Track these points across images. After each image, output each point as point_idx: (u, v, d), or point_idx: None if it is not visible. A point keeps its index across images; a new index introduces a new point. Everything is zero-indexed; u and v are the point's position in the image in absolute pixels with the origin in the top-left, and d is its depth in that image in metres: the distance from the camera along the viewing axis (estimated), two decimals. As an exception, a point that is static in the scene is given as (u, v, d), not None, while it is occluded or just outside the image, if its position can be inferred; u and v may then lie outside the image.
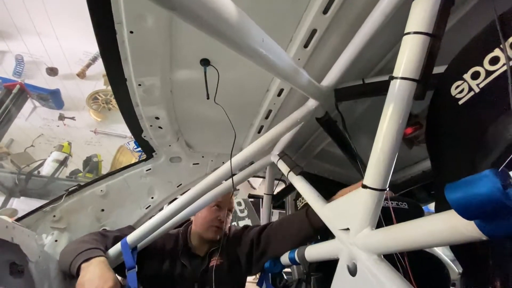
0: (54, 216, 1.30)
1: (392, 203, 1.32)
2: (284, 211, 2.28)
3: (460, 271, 1.70)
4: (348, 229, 0.74)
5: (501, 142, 0.51)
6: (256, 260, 1.29)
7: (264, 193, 1.62)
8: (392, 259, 0.80)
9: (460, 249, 0.69)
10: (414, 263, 0.73)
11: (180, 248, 1.29)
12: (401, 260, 0.75)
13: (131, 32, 0.81)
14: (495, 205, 0.37)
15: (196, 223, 1.35)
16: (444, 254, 1.82)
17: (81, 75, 5.36)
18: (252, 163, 1.40)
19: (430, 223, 0.52)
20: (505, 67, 0.51)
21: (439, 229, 0.49)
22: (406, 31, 0.64)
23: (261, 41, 0.50)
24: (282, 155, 1.33)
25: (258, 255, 1.28)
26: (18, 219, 1.24)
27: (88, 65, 5.38)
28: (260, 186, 4.93)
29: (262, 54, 0.54)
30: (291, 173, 1.20)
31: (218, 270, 1.25)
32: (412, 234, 0.55)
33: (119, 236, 1.19)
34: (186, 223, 1.41)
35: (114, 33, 0.81)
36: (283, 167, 1.28)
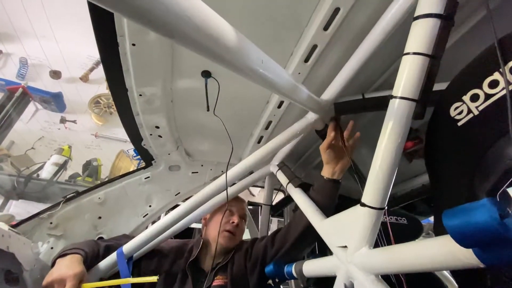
0: (51, 223, 1.30)
1: (391, 218, 1.32)
2: (283, 219, 2.26)
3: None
4: (346, 246, 0.74)
5: (500, 166, 0.51)
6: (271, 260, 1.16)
7: (263, 203, 1.61)
8: (389, 276, 0.79)
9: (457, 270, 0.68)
10: (411, 279, 0.71)
11: (189, 257, 1.20)
12: (399, 279, 0.74)
13: (133, 44, 0.81)
14: (492, 235, 0.37)
15: (207, 230, 1.30)
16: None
17: (84, 78, 5.39)
18: (251, 172, 1.40)
19: (428, 247, 0.51)
20: (504, 91, 0.51)
21: (437, 254, 0.49)
22: (405, 51, 0.64)
23: (260, 62, 0.50)
24: (282, 166, 1.33)
25: (272, 254, 1.16)
26: (15, 225, 1.23)
27: (91, 69, 5.42)
28: (259, 193, 4.91)
29: (262, 74, 0.54)
30: (290, 184, 1.20)
31: None
32: (410, 257, 0.54)
33: (111, 245, 1.17)
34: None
35: (117, 45, 0.82)
36: (282, 178, 1.27)
